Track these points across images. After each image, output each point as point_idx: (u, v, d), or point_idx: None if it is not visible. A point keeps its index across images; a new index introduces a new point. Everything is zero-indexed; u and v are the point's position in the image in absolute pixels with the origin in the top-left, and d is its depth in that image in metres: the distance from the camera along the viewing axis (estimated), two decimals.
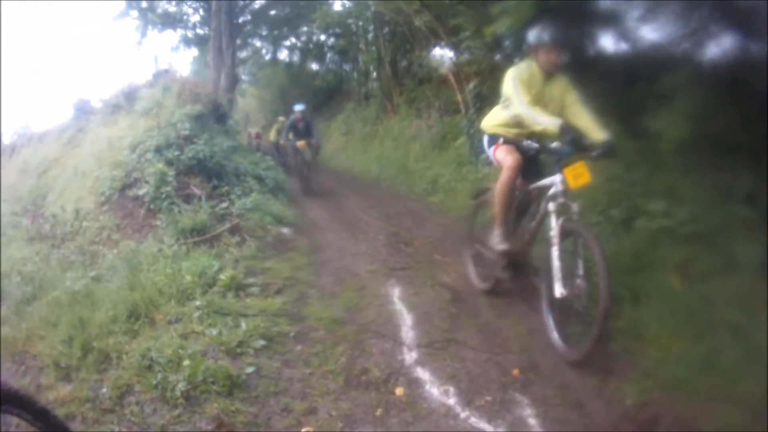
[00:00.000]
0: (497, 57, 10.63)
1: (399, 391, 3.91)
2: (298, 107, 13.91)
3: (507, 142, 5.03)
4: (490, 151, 5.22)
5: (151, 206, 8.41)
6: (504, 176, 4.93)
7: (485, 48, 10.20)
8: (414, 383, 4.02)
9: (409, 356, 4.43)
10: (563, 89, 4.92)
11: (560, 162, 4.52)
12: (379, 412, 3.67)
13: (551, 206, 4.53)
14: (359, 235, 8.38)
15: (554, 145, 4.65)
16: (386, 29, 18.26)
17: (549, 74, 4.90)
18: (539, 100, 4.79)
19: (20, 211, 12.42)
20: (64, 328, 5.04)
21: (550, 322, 4.43)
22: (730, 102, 5.00)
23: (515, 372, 4.09)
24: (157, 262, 6.42)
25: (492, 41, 9.48)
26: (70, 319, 5.12)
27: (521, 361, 4.23)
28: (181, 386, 3.85)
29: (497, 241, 5.07)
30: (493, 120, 5.26)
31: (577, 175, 4.37)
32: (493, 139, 5.18)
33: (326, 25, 20.51)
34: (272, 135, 19.34)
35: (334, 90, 24.77)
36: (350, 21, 20.53)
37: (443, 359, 4.34)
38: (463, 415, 3.61)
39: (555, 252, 4.38)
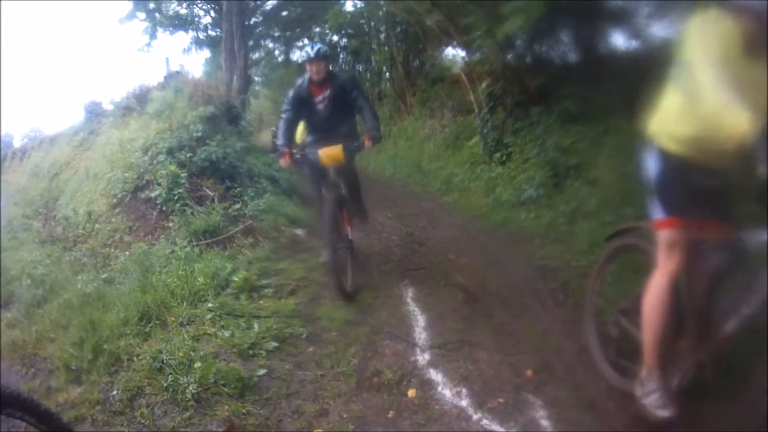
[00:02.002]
0: (509, 56, 10.62)
1: (411, 392, 3.89)
2: (311, 50, 6.18)
3: (678, 206, 3.19)
4: (654, 206, 3.30)
5: (164, 208, 8.41)
6: (657, 284, 3.21)
7: (497, 47, 10.16)
8: (426, 385, 4.00)
9: (422, 358, 4.41)
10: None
11: None
12: (391, 414, 3.66)
13: None
14: (373, 236, 8.35)
15: None
16: (398, 29, 18.25)
17: (751, 47, 2.83)
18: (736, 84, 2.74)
19: (31, 214, 12.49)
20: (75, 330, 5.05)
21: None
22: None
23: (528, 373, 4.06)
24: (169, 264, 6.42)
25: (503, 40, 9.45)
26: (81, 322, 5.13)
27: (535, 362, 4.19)
28: (192, 388, 3.84)
29: (652, 402, 3.18)
30: (669, 119, 3.18)
31: None
32: (665, 192, 3.24)
33: (338, 25, 20.47)
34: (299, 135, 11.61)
35: None
36: (362, 21, 20.50)
37: (456, 360, 4.31)
38: (475, 417, 3.58)
39: None
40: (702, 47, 2.86)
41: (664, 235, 3.21)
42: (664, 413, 3.11)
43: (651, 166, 3.31)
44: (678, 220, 3.16)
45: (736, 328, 2.96)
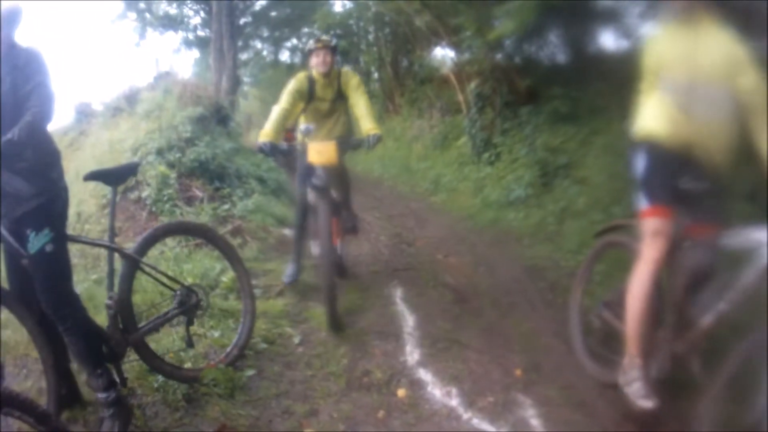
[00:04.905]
0: (498, 56, 10.65)
1: (401, 392, 3.88)
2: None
3: (662, 196, 3.24)
4: (640, 198, 3.35)
5: (153, 209, 8.37)
6: (640, 273, 3.26)
7: (486, 47, 10.19)
8: (416, 385, 3.99)
9: (412, 357, 4.40)
10: (725, 50, 3.08)
11: None
12: (381, 414, 3.64)
13: None
14: (361, 236, 8.29)
15: None
16: (387, 30, 18.31)
17: (696, 23, 3.12)
18: (690, 70, 3.09)
19: None
20: None
21: None
22: None
23: (518, 372, 4.07)
24: (158, 265, 6.36)
25: (493, 41, 9.48)
26: None
27: (524, 362, 4.21)
28: (183, 389, 3.82)
29: (634, 392, 3.20)
30: (659, 118, 3.29)
31: None
32: (651, 183, 3.32)
33: (327, 26, 20.45)
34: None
35: None
36: (351, 22, 20.56)
37: (446, 360, 4.31)
38: (465, 416, 3.58)
39: None
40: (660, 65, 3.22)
41: (648, 224, 3.26)
42: (646, 403, 3.13)
43: (639, 163, 3.37)
44: (662, 209, 3.21)
45: (712, 322, 3.02)
